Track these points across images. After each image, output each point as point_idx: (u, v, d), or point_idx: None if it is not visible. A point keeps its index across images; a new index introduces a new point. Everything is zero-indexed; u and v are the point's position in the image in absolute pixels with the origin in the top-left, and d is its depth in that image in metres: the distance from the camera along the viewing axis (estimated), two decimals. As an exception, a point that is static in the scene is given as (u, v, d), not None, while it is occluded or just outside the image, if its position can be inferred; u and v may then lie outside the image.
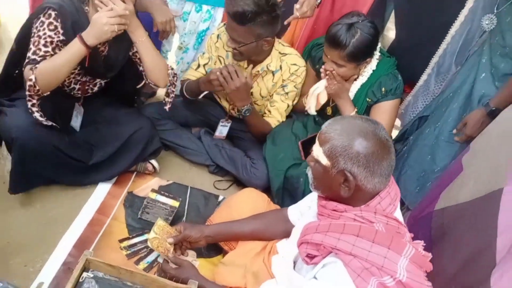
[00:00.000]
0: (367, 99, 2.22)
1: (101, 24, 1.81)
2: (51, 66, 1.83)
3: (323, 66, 2.17)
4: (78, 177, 2.19)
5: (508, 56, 1.88)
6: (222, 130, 2.59)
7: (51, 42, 1.86)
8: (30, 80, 1.80)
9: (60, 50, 1.89)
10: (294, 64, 2.34)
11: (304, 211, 1.69)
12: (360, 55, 2.08)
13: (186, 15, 2.68)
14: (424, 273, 1.23)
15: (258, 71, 2.37)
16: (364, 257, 1.17)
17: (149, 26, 2.36)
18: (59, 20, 1.84)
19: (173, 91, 2.25)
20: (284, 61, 2.34)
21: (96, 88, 2.22)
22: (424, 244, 1.26)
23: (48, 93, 1.89)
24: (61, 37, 1.88)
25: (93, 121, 2.26)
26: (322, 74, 2.17)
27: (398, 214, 1.34)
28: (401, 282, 1.16)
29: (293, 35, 2.71)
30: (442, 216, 1.64)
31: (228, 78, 2.20)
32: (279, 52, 2.35)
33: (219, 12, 2.68)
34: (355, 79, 2.24)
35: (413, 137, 2.30)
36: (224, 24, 2.36)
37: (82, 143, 2.15)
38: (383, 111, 2.19)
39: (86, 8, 1.94)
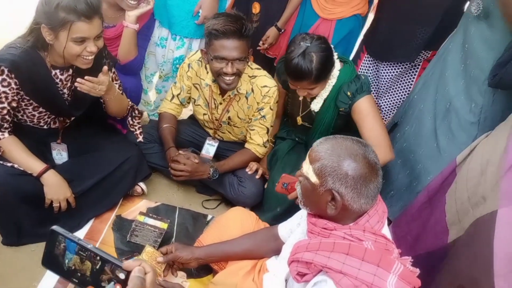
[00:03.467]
0: (339, 110, 2.22)
1: (57, 196, 2.01)
2: (10, 156, 1.96)
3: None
4: (70, 221, 2.15)
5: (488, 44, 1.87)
6: (209, 149, 2.60)
7: (6, 98, 1.88)
8: None
9: (16, 103, 1.93)
10: (265, 86, 2.36)
11: (294, 228, 1.70)
12: (325, 73, 2.11)
13: (163, 41, 2.71)
14: None
15: (230, 95, 2.39)
16: (354, 275, 1.18)
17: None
18: (12, 76, 1.84)
19: (138, 122, 2.39)
20: (255, 84, 2.36)
21: (71, 119, 2.23)
22: (412, 260, 1.28)
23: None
24: (16, 91, 1.89)
25: (79, 152, 2.25)
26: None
27: (385, 230, 1.36)
28: None
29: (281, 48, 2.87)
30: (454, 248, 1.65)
31: (182, 172, 2.31)
32: (248, 76, 2.36)
33: (195, 43, 2.73)
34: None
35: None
36: (197, 51, 2.41)
37: (67, 179, 2.09)
38: (362, 111, 2.15)
39: (45, 53, 1.93)
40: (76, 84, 1.94)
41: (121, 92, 2.23)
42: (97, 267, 0.96)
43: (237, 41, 2.10)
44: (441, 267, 1.64)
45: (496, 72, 1.67)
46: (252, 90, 2.37)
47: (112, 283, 0.94)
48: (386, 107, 2.81)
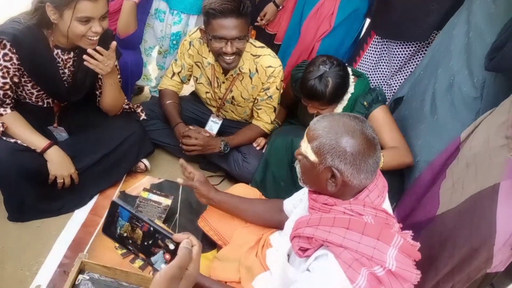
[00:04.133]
0: None
1: (61, 172, 2.01)
2: (13, 132, 1.95)
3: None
4: (73, 197, 2.16)
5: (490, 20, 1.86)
6: (213, 126, 2.59)
7: (8, 73, 1.87)
8: None
9: (17, 78, 1.92)
10: (269, 67, 2.33)
11: (297, 204, 1.72)
12: (338, 96, 2.14)
13: (161, 14, 2.68)
14: (413, 262, 1.26)
15: (232, 75, 2.37)
16: (354, 249, 1.20)
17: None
18: (14, 51, 1.82)
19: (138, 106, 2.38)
20: (259, 64, 2.33)
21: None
22: (413, 234, 1.29)
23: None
24: (17, 66, 1.87)
25: (80, 129, 2.24)
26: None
27: (386, 205, 1.37)
28: (391, 271, 1.19)
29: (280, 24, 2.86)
30: (441, 219, 1.66)
31: (194, 147, 2.31)
32: (251, 54, 2.33)
33: (192, 19, 2.70)
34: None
35: None
36: (197, 29, 2.36)
37: (70, 155, 2.09)
38: (379, 120, 2.18)
39: (49, 31, 1.91)
40: (84, 57, 1.91)
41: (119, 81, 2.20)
42: (149, 237, 1.02)
43: (236, 20, 2.07)
44: (428, 236, 1.66)
45: (493, 56, 1.66)
46: (257, 70, 2.35)
47: (161, 252, 1.00)
48: (398, 86, 2.77)
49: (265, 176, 2.33)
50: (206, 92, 2.54)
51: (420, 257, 1.26)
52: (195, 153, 2.36)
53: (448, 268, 1.48)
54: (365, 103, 2.20)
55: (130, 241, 1.04)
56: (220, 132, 2.62)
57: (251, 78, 2.37)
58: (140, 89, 3.22)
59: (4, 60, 1.83)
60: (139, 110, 2.39)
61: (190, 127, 2.38)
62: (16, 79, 1.91)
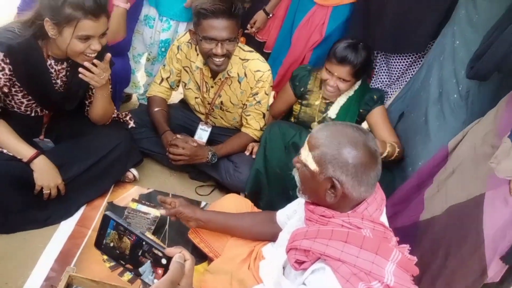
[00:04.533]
0: (360, 110, 2.39)
1: (48, 182, 1.98)
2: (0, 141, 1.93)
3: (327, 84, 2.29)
4: (60, 208, 2.11)
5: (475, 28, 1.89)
6: (202, 134, 2.56)
7: None
8: None
9: (7, 88, 1.88)
10: (258, 71, 2.32)
11: (291, 215, 1.70)
12: (363, 72, 2.27)
13: (151, 21, 2.66)
14: (411, 277, 1.25)
15: (220, 79, 2.35)
16: (353, 263, 1.18)
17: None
18: (7, 61, 1.79)
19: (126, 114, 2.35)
20: (247, 68, 2.33)
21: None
22: (410, 248, 1.28)
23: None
24: (9, 77, 1.84)
25: (68, 137, 2.20)
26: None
27: (384, 218, 1.36)
28: (389, 286, 1.18)
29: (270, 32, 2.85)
30: (428, 226, 1.67)
31: (180, 156, 2.28)
32: (240, 58, 2.32)
33: (181, 26, 2.68)
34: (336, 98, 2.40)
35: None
36: (185, 33, 2.36)
37: (56, 164, 2.05)
38: (380, 116, 2.37)
39: (43, 41, 1.88)
40: (80, 70, 1.88)
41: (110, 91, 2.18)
42: (138, 247, 1.01)
43: (226, 21, 2.07)
44: (417, 244, 1.67)
45: (473, 64, 1.68)
46: (245, 75, 2.34)
47: (149, 262, 1.00)
48: (394, 95, 2.78)
49: (259, 177, 2.34)
50: (195, 98, 2.52)
51: (418, 272, 1.26)
52: (182, 163, 2.33)
53: (443, 278, 1.48)
54: (374, 96, 2.34)
55: (117, 252, 1.03)
56: (210, 141, 2.59)
57: (239, 83, 2.36)
58: (128, 97, 3.18)
59: None
60: (127, 118, 2.36)
61: (178, 135, 2.34)
62: (6, 89, 1.88)
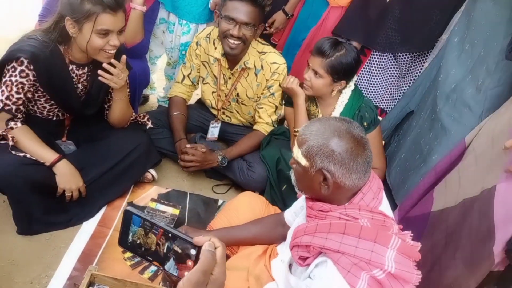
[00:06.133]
0: (364, 125, 2.30)
1: (69, 185, 2.04)
2: (23, 146, 1.97)
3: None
4: (81, 209, 2.17)
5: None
6: (213, 131, 2.62)
7: (23, 88, 1.90)
8: (5, 135, 1.93)
9: (31, 94, 1.95)
10: (274, 63, 2.37)
11: (298, 212, 1.72)
12: (339, 71, 2.15)
13: (171, 26, 2.70)
14: (414, 263, 1.24)
15: (237, 69, 2.40)
16: (352, 253, 1.19)
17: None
18: (31, 68, 1.86)
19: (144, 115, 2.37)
20: (264, 60, 2.37)
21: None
22: (412, 235, 1.28)
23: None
24: (33, 82, 1.91)
25: (88, 140, 2.26)
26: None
27: (385, 207, 1.36)
28: (391, 273, 1.18)
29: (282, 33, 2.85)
30: (440, 217, 1.66)
31: (192, 163, 2.33)
32: (257, 51, 2.37)
33: (201, 28, 2.72)
34: (333, 110, 2.32)
35: (401, 132, 2.33)
36: (203, 30, 2.44)
37: (77, 167, 2.11)
38: (373, 141, 2.15)
39: (65, 47, 1.95)
40: (99, 72, 1.95)
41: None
42: (165, 242, 0.94)
43: (250, 6, 2.14)
44: (429, 235, 1.66)
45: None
46: (262, 67, 2.38)
47: (172, 259, 0.93)
48: (402, 92, 2.76)
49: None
50: (213, 92, 2.56)
51: (420, 257, 1.25)
52: (193, 169, 2.38)
53: (453, 270, 1.48)
54: (365, 123, 2.26)
55: (143, 248, 0.97)
56: (225, 140, 2.63)
57: (256, 75, 2.40)
58: (146, 98, 3.23)
59: (21, 77, 1.87)
60: (145, 119, 2.40)
61: (188, 145, 2.38)
62: (30, 95, 1.95)
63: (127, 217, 0.98)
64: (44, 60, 1.88)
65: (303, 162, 1.31)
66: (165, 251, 0.95)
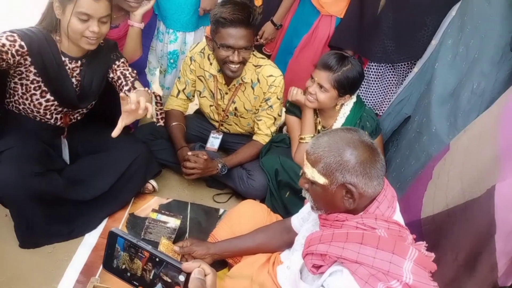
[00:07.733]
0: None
1: None
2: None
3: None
4: (83, 221, 2.17)
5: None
6: (214, 142, 2.62)
7: (3, 45, 1.74)
8: None
9: (8, 66, 1.82)
10: (270, 76, 2.37)
11: (306, 217, 1.72)
12: (345, 86, 2.17)
13: (160, 35, 2.73)
14: (429, 274, 1.25)
15: (235, 84, 2.40)
16: (370, 264, 1.19)
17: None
18: (22, 42, 1.80)
19: (160, 108, 2.25)
20: (260, 74, 2.38)
21: (78, 116, 2.22)
22: (427, 245, 1.29)
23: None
24: (26, 53, 1.83)
25: (87, 152, 2.25)
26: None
27: (398, 216, 1.37)
28: (408, 285, 1.19)
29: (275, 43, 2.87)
30: (434, 223, 1.67)
31: (194, 170, 2.33)
32: (253, 65, 2.37)
33: (189, 37, 2.74)
34: (334, 121, 2.35)
35: (399, 137, 2.36)
36: (197, 44, 2.43)
37: (78, 179, 2.12)
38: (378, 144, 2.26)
39: (57, 37, 1.94)
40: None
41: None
42: (151, 267, 0.92)
43: (244, 30, 2.12)
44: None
45: None
46: (258, 80, 2.39)
47: (159, 285, 0.91)
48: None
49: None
50: (210, 106, 2.57)
51: (436, 268, 1.26)
52: (195, 177, 2.38)
53: (455, 273, 1.48)
54: (366, 132, 2.21)
55: (129, 274, 0.95)
56: (225, 149, 2.64)
57: (253, 89, 2.41)
58: (145, 109, 3.24)
59: (6, 39, 1.76)
60: (159, 116, 2.25)
61: (189, 153, 2.38)
62: (5, 65, 1.79)
63: (112, 239, 0.96)
64: (38, 44, 1.86)
65: (322, 180, 1.30)
66: (151, 277, 0.92)
